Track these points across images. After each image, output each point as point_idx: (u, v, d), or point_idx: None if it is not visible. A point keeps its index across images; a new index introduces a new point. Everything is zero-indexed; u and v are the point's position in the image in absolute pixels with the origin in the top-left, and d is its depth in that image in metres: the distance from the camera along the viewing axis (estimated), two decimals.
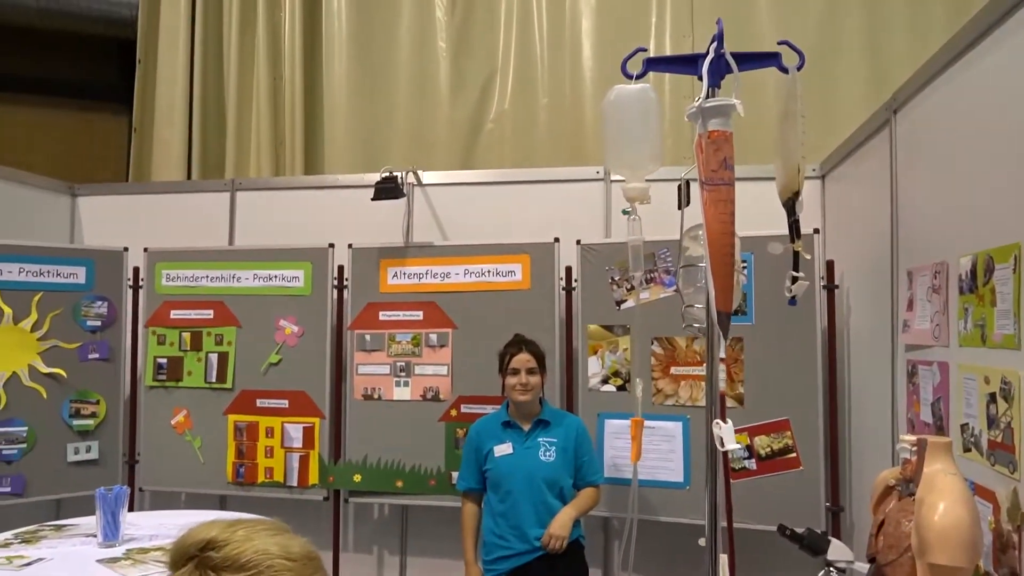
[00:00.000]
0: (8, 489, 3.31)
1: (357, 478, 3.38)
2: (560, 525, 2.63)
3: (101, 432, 3.51)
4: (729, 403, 2.99)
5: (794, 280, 1.69)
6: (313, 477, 3.40)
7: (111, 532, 1.93)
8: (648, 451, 3.02)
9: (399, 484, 3.36)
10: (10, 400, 3.33)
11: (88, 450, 3.47)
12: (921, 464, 1.49)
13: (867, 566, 1.66)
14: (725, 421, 1.04)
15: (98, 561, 1.93)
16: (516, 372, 2.75)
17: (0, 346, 3.32)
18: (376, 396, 3.40)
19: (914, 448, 1.52)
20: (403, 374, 3.38)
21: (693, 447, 3.07)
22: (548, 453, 2.72)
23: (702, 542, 1.18)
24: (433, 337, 3.37)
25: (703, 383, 3.05)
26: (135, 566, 1.88)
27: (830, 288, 3.01)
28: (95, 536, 2.10)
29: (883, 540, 1.56)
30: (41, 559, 1.98)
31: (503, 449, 2.75)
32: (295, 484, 3.41)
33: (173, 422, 3.55)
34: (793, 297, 1.76)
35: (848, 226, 3.03)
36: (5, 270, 3.36)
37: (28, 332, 3.38)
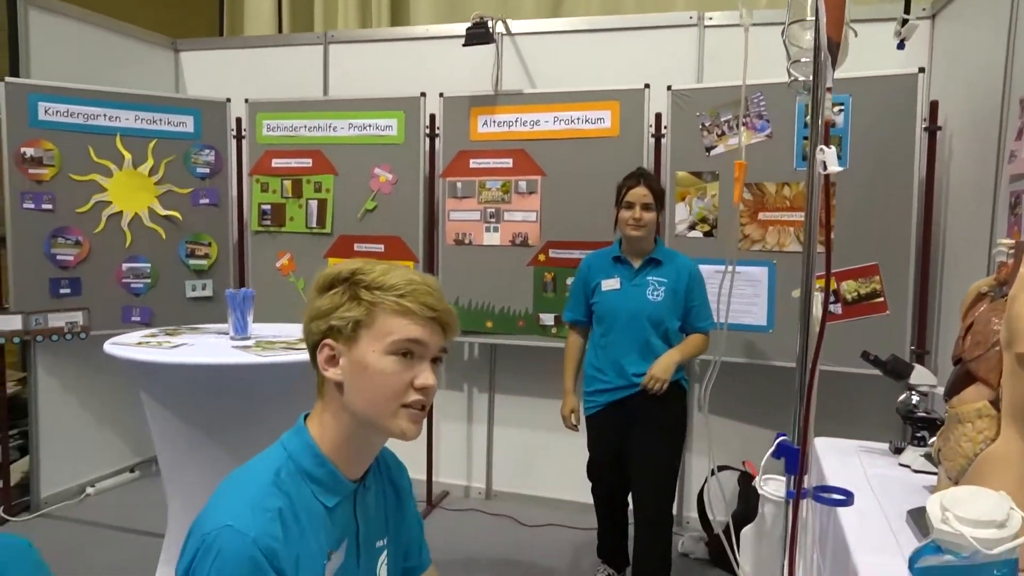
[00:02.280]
0: (139, 319, 3.65)
1: None
2: (662, 368, 2.56)
3: (214, 272, 3.80)
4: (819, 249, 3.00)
5: (904, 23, 1.62)
6: None
7: (240, 327, 2.15)
8: (733, 296, 3.09)
9: (489, 325, 3.55)
10: (135, 239, 3.62)
11: (204, 287, 3.77)
12: (1017, 266, 1.51)
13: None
14: (828, 147, 1.07)
15: (233, 347, 2.17)
16: (631, 206, 2.62)
17: (123, 188, 3.58)
18: (467, 241, 3.54)
19: (1011, 251, 1.53)
20: (493, 220, 3.50)
21: (779, 292, 3.12)
22: (656, 293, 2.63)
23: (795, 293, 1.24)
24: (522, 184, 3.45)
25: (791, 228, 3.06)
26: (265, 350, 2.12)
27: (932, 130, 2.92)
28: (227, 334, 2.36)
29: (970, 339, 1.60)
30: (185, 344, 2.25)
31: (610, 284, 2.68)
32: None
33: (278, 264, 3.80)
34: (902, 40, 1.69)
35: (957, 66, 2.90)
36: (123, 117, 3.58)
37: (146, 176, 3.63)
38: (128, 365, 1.99)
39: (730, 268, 2.91)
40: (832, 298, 3.02)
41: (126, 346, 2.09)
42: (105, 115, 3.54)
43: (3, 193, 3.37)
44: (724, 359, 2.80)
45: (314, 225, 3.72)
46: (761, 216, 3.12)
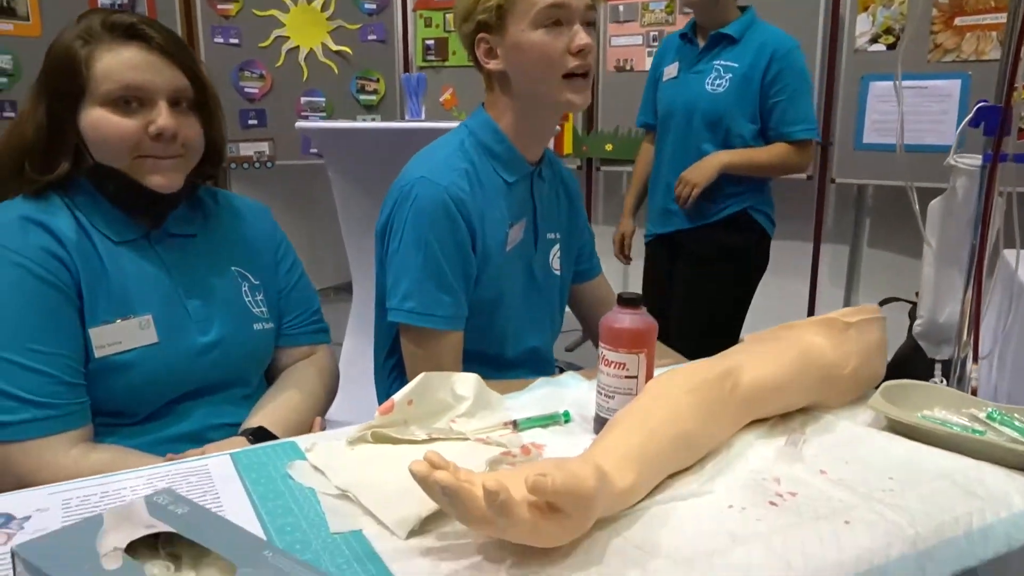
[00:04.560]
0: (315, 151, 3.91)
1: (608, 147, 3.56)
2: (700, 171, 1.90)
3: (382, 107, 3.98)
4: None
5: None
6: (568, 147, 3.64)
7: (415, 111, 2.27)
8: (916, 113, 2.86)
9: (608, 148, 3.50)
10: (311, 73, 3.84)
11: (374, 120, 3.96)
12: None
13: None
14: None
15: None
16: None
17: (299, 23, 3.77)
18: (628, 68, 3.47)
19: None
20: (655, 44, 3.39)
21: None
22: (719, 82, 1.93)
23: None
24: None
25: (993, 33, 2.76)
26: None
27: None
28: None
29: None
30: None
31: (670, 72, 2.07)
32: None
33: (441, 100, 3.91)
34: None
35: None
36: None
37: (319, 11, 3.80)
38: (320, 137, 2.19)
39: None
40: None
41: (316, 122, 2.27)
42: None
43: (197, 28, 3.65)
44: (894, 183, 2.64)
45: None
46: (957, 22, 2.83)
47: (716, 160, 1.91)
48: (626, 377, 0.85)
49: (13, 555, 0.55)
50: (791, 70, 1.90)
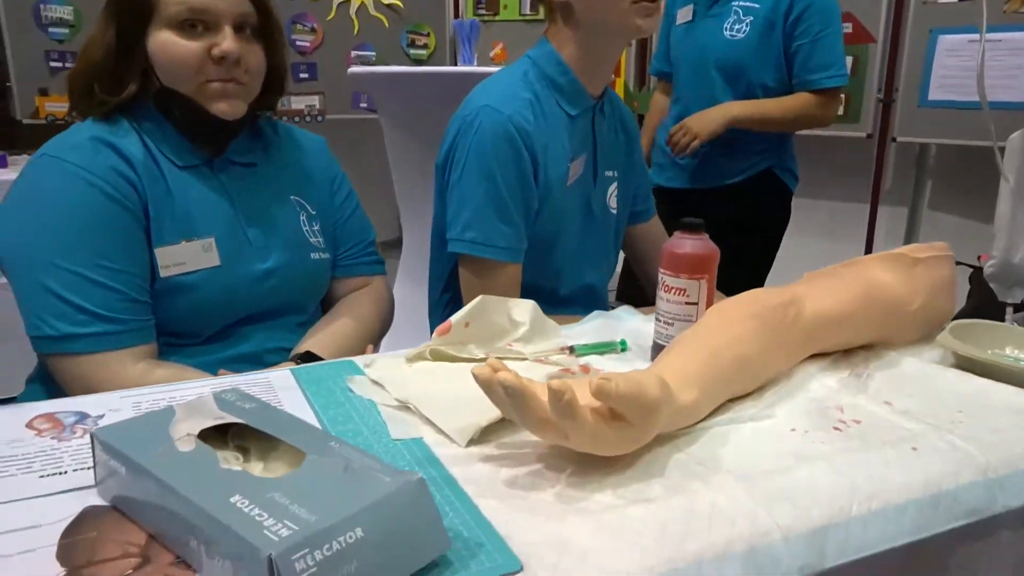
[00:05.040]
0: (366, 105, 3.91)
1: None
2: (704, 119, 1.69)
3: (433, 61, 3.95)
4: None
5: None
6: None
7: (467, 58, 2.26)
8: (989, 68, 2.74)
9: None
10: (361, 27, 3.82)
11: None
12: None
13: None
14: None
15: None
16: None
17: None
18: None
19: None
20: None
21: None
22: (738, 26, 1.72)
23: None
24: None
25: None
26: None
27: None
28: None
29: None
30: None
31: (683, 15, 1.84)
32: None
33: (492, 54, 3.86)
34: None
35: None
36: None
37: None
38: (373, 83, 2.18)
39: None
40: None
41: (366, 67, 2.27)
42: None
43: None
44: (991, 143, 2.53)
45: (527, 12, 3.72)
46: None
47: (725, 111, 1.69)
48: (686, 303, 0.84)
49: (92, 438, 0.56)
50: (817, 9, 1.66)
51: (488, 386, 0.58)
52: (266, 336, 1.02)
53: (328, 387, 0.78)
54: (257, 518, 0.45)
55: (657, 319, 0.86)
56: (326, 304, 1.14)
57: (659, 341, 0.86)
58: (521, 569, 0.50)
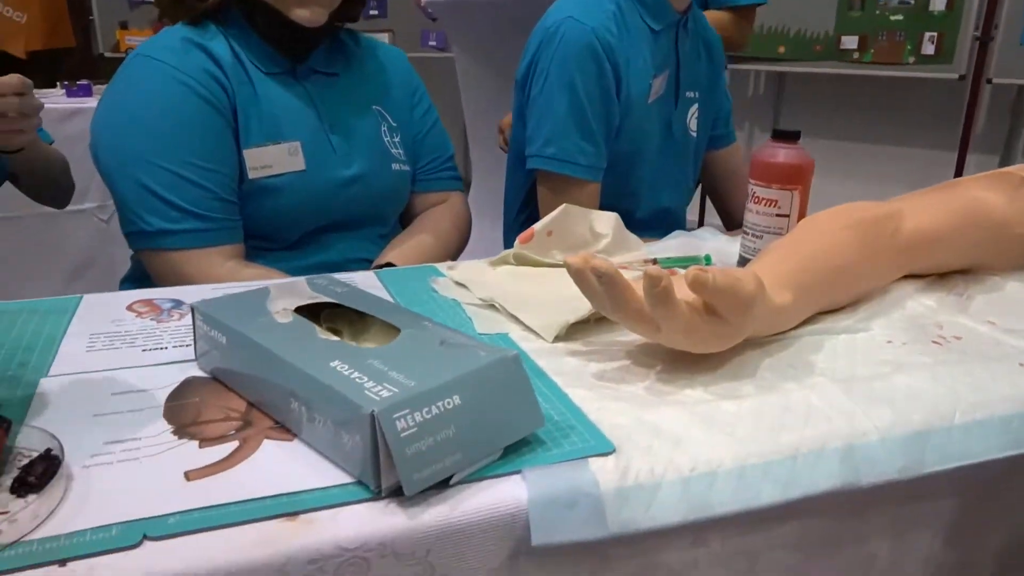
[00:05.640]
0: (435, 43, 3.89)
1: (781, 49, 3.35)
2: None
3: None
4: None
5: None
6: None
7: None
8: None
9: (781, 51, 3.29)
10: None
11: None
12: None
13: None
14: None
15: None
16: None
17: None
18: None
19: None
20: None
21: None
22: None
23: None
24: None
25: None
26: None
27: None
28: None
29: None
30: None
31: None
32: None
33: None
34: None
35: None
36: None
37: None
38: (446, 10, 2.16)
39: None
40: None
41: None
42: None
43: None
44: None
45: None
46: None
47: None
48: (777, 215, 0.81)
49: (193, 310, 0.58)
50: None
51: (581, 275, 0.57)
52: (348, 245, 1.03)
53: (412, 288, 0.79)
54: (357, 381, 0.45)
55: (745, 232, 0.84)
56: (404, 220, 1.15)
57: (745, 255, 0.84)
58: (614, 451, 0.49)
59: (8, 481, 0.43)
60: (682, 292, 0.56)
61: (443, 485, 0.45)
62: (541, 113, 1.07)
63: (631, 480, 0.48)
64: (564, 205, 0.85)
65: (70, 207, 1.31)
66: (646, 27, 1.11)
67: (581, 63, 1.04)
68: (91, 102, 2.45)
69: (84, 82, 2.41)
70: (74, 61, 3.39)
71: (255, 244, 0.98)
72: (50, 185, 1.15)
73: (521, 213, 1.23)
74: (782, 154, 0.80)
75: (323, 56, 1.04)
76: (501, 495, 0.45)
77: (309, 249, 1.01)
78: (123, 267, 1.06)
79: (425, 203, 1.14)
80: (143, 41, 0.97)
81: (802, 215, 0.82)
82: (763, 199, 0.81)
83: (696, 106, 1.23)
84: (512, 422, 0.48)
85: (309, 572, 0.41)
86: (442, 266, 0.86)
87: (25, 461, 0.45)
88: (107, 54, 3.42)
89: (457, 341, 0.51)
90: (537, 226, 0.84)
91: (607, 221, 0.88)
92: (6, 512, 0.41)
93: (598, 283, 0.56)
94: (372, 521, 0.43)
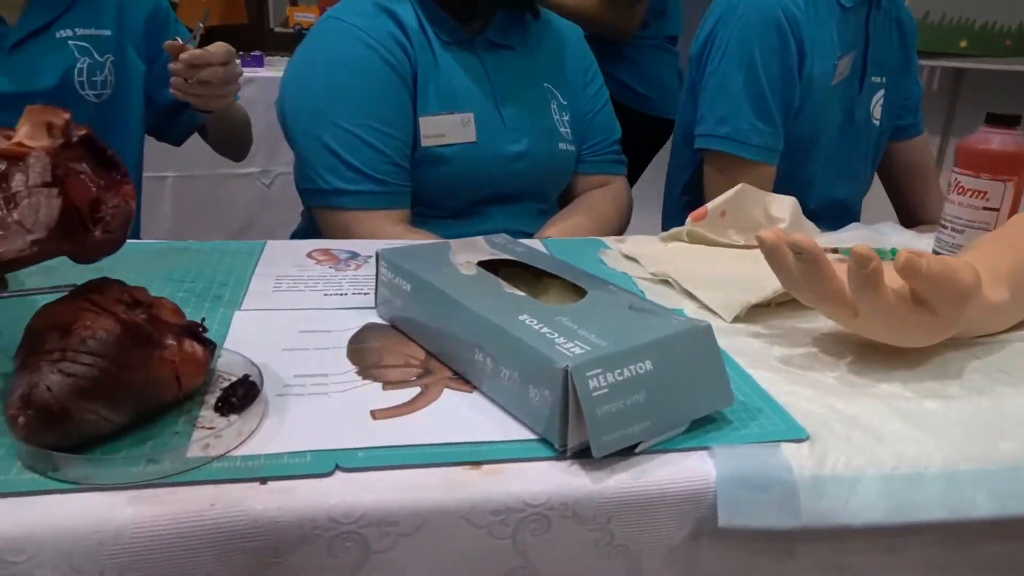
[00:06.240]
0: None
1: (963, 43, 3.12)
2: None
3: None
4: None
5: None
6: None
7: None
8: None
9: (963, 45, 3.03)
10: None
11: None
12: None
13: None
14: None
15: None
16: None
17: None
18: None
19: None
20: None
21: None
22: None
23: None
24: None
25: None
26: None
27: None
28: None
29: None
30: None
31: None
32: None
33: None
34: None
35: None
36: None
37: None
38: None
39: None
40: None
41: None
42: None
43: None
44: None
45: None
46: None
47: None
48: (984, 208, 0.73)
49: (377, 256, 0.59)
50: None
51: (777, 249, 0.53)
52: (508, 218, 1.03)
53: (580, 259, 0.77)
54: (548, 335, 0.44)
55: (943, 225, 0.77)
56: (563, 198, 1.13)
57: (941, 251, 0.77)
58: (808, 438, 0.46)
59: (212, 400, 0.45)
60: (890, 276, 0.52)
61: (627, 452, 0.43)
62: (716, 89, 1.03)
63: (828, 470, 0.44)
64: (741, 185, 0.81)
65: (237, 169, 1.36)
66: (835, 2, 1.04)
67: (763, 37, 0.98)
68: (263, 72, 2.60)
69: (257, 53, 2.55)
70: (248, 35, 3.61)
71: (418, 211, 0.99)
72: (234, 140, 1.21)
73: (684, 196, 1.19)
74: (996, 140, 0.73)
75: (500, 27, 1.03)
76: (688, 470, 0.43)
77: (470, 220, 1.01)
78: (280, 230, 1.10)
79: (586, 184, 1.12)
80: (316, 15, 1.00)
81: (1014, 210, 0.74)
82: (969, 190, 0.74)
83: (882, 92, 1.14)
84: (701, 395, 0.46)
85: (490, 523, 0.41)
86: (611, 240, 0.84)
87: (226, 384, 0.47)
88: (277, 29, 3.61)
89: (646, 307, 0.49)
90: (710, 205, 0.80)
91: (784, 205, 0.83)
92: (212, 427, 0.43)
93: (794, 260, 0.52)
94: (555, 480, 0.42)
